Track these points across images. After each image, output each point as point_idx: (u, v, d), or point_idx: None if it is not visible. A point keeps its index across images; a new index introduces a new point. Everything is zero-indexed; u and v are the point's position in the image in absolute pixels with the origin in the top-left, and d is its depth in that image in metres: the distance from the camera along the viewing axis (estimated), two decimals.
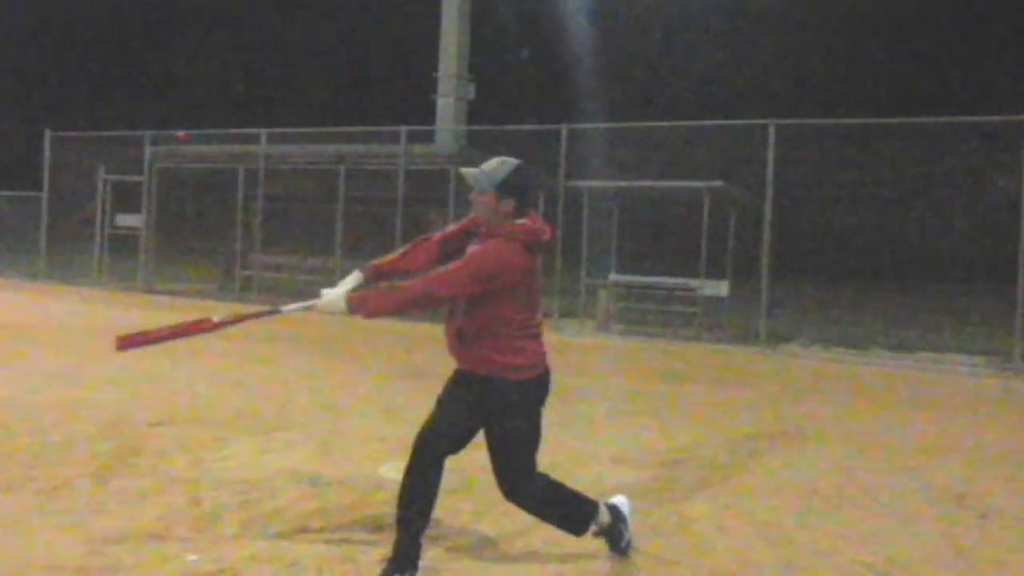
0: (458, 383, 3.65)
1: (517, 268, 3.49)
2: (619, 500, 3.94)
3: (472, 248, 3.57)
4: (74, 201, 19.77)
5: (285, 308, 3.84)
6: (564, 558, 3.89)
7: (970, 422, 7.78)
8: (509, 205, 3.53)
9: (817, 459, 6.00)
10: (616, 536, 3.86)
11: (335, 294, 3.55)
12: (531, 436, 3.64)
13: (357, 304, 3.48)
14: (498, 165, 3.57)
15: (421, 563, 3.71)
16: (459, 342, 3.58)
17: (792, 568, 3.94)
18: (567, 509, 3.77)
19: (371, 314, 3.51)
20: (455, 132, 16.84)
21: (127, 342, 3.71)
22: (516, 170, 3.57)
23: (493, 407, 3.57)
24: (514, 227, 3.53)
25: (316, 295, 3.61)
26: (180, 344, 10.36)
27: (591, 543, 4.00)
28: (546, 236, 3.60)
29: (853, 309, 15.67)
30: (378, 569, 3.60)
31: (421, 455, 3.56)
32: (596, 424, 6.87)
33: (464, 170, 3.64)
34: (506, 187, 3.53)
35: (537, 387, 3.62)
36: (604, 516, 3.81)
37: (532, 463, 3.66)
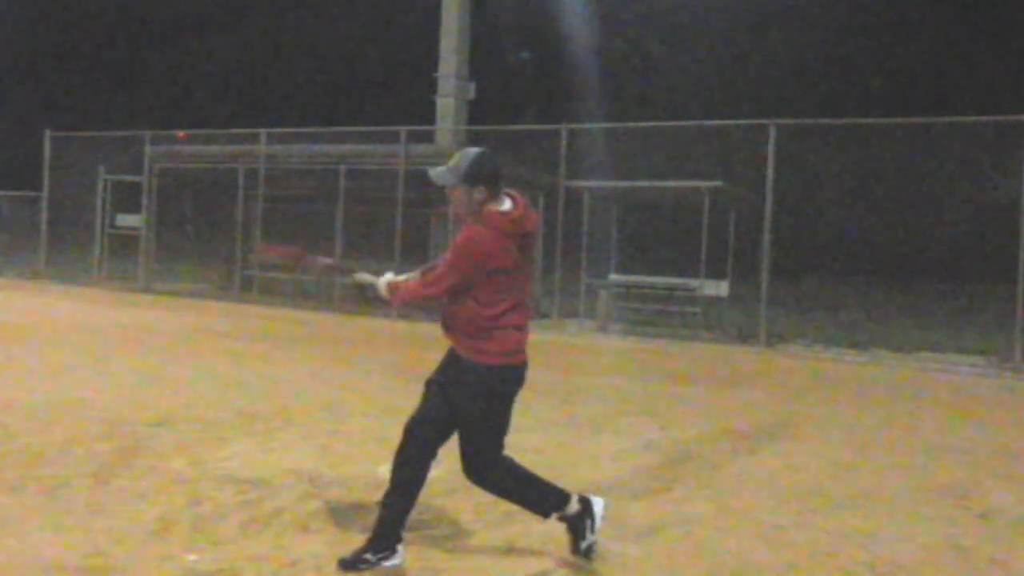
0: (446, 361, 3.75)
1: (491, 254, 3.54)
2: (596, 499, 3.86)
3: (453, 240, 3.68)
4: (74, 201, 19.77)
5: (357, 275, 4.05)
6: (564, 558, 3.88)
7: (970, 422, 7.78)
8: (482, 193, 3.61)
9: (817, 459, 6.00)
10: (580, 529, 3.77)
11: (383, 280, 3.81)
12: (491, 421, 3.69)
13: (390, 291, 3.77)
14: (459, 158, 3.68)
15: (422, 563, 3.71)
16: (444, 325, 3.74)
17: (792, 568, 3.94)
18: (533, 495, 3.80)
19: (395, 302, 3.79)
20: (455, 132, 16.84)
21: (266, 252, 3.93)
22: (478, 157, 3.66)
23: (457, 385, 3.66)
24: (488, 213, 3.61)
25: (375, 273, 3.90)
26: (180, 344, 10.39)
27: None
28: (525, 225, 3.63)
29: (853, 309, 15.68)
30: (379, 571, 3.61)
31: (408, 439, 3.70)
32: (596, 424, 6.87)
33: (431, 171, 3.75)
34: (472, 177, 3.61)
35: (503, 376, 3.66)
36: (573, 507, 3.79)
37: (493, 448, 3.72)
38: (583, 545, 3.78)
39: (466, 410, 3.65)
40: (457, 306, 3.62)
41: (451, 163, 3.68)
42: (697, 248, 13.53)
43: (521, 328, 3.69)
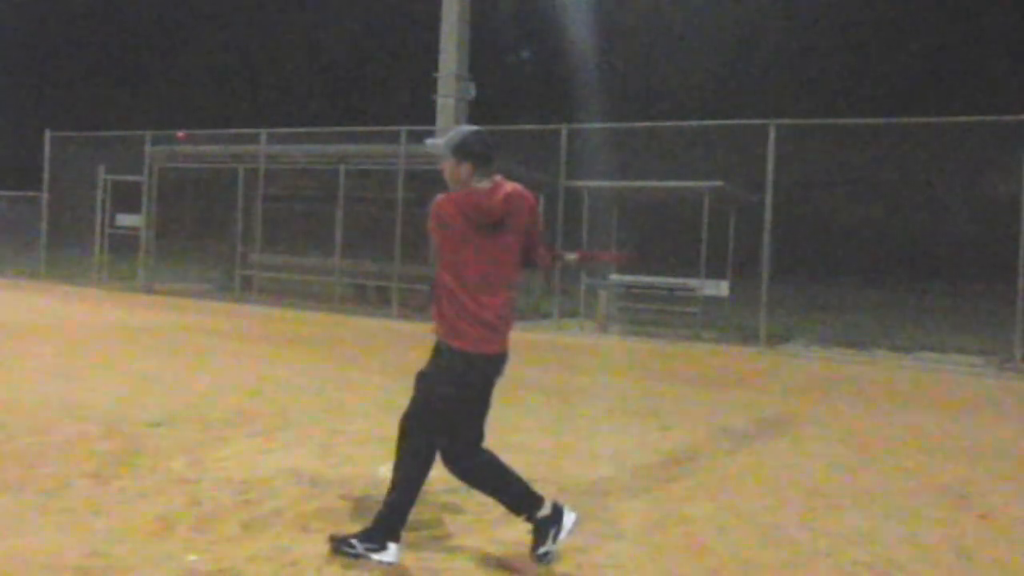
0: (433, 350, 3.79)
1: (445, 224, 3.61)
2: (569, 512, 3.81)
3: None
4: (74, 201, 19.78)
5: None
6: (563, 558, 3.88)
7: (970, 422, 7.78)
8: (467, 170, 3.70)
9: (817, 459, 6.00)
10: (543, 534, 3.73)
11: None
12: (463, 407, 3.69)
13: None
14: (454, 133, 3.80)
15: (422, 563, 3.71)
16: (432, 312, 3.80)
17: (792, 568, 3.94)
18: (508, 491, 3.80)
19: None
20: None
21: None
22: (468, 134, 3.76)
23: (435, 368, 3.70)
24: (462, 188, 3.71)
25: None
26: (180, 344, 10.39)
27: (592, 543, 4.00)
28: (486, 209, 3.62)
29: (853, 309, 15.69)
30: (378, 571, 3.61)
31: (404, 436, 3.74)
32: (596, 424, 6.88)
33: (428, 140, 3.88)
34: (458, 151, 3.71)
35: (475, 363, 3.63)
36: (544, 511, 3.75)
37: (467, 436, 3.73)
38: (542, 550, 3.73)
39: (439, 393, 3.66)
40: (438, 284, 3.68)
41: (447, 135, 3.82)
42: (697, 248, 13.53)
43: (491, 319, 3.64)
